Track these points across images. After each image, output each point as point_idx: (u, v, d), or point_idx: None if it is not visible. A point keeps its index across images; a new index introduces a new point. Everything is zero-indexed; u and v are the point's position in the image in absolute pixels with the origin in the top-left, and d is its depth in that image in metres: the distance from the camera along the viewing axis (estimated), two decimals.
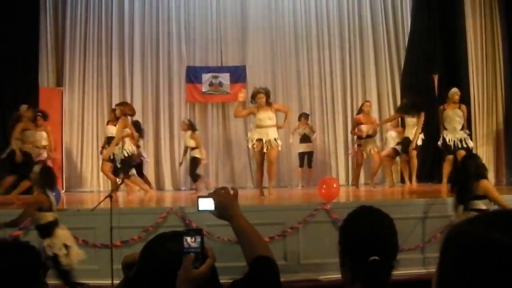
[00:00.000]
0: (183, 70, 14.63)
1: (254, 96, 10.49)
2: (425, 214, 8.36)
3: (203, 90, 14.49)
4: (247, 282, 2.12)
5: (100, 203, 7.76)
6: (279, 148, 10.61)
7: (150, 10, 14.83)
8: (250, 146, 10.58)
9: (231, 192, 2.42)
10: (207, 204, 2.37)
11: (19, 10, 13.22)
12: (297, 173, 13.93)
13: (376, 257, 2.18)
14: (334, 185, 8.77)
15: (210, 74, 14.57)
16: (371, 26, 14.92)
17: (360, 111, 12.34)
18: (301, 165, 13.69)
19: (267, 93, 10.50)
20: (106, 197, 7.64)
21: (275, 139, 10.34)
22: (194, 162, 12.61)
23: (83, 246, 8.14)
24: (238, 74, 14.63)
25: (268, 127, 10.34)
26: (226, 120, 14.71)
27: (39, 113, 11.90)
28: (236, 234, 2.34)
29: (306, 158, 13.62)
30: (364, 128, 12.03)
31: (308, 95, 14.73)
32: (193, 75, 14.53)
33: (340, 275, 2.36)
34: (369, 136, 12.09)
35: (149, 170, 14.16)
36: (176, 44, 14.76)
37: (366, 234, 2.28)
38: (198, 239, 1.95)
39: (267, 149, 10.27)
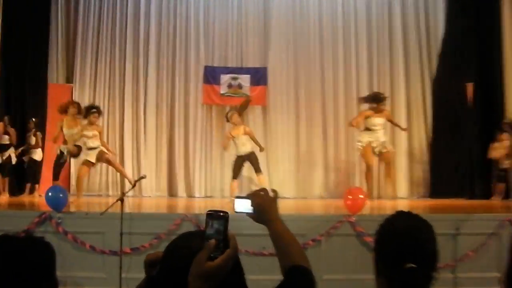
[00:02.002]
0: (200, 70, 14.60)
1: (377, 100, 11.22)
2: (456, 231, 8.29)
3: (221, 92, 14.45)
4: None
5: (110, 206, 7.74)
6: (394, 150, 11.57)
7: (167, 5, 14.84)
8: (360, 146, 11.55)
9: (271, 194, 2.37)
10: (244, 205, 2.32)
11: (29, 2, 13.35)
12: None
13: (413, 265, 2.15)
14: (360, 196, 8.72)
15: (229, 75, 14.53)
16: (401, 28, 14.79)
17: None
18: None
19: (385, 100, 11.63)
20: (116, 201, 7.64)
21: (384, 142, 11.37)
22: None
23: (90, 252, 8.17)
24: (259, 76, 14.57)
25: (379, 131, 11.33)
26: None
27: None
28: (272, 240, 2.28)
29: None
30: None
31: (333, 100, 14.63)
32: (211, 75, 14.50)
33: None
34: None
35: (161, 175, 14.22)
36: (194, 42, 14.75)
37: (403, 240, 2.25)
38: (219, 224, 1.83)
39: (379, 152, 11.25)
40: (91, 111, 11.90)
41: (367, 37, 14.83)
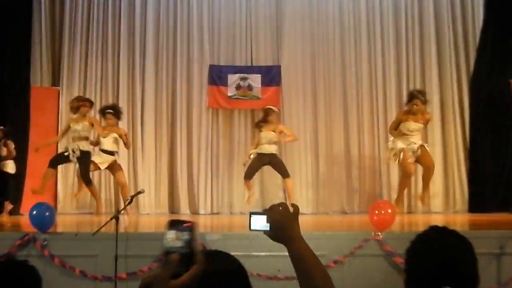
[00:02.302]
0: (205, 70, 14.60)
1: (410, 99, 11.39)
2: (501, 250, 8.22)
3: (229, 94, 14.44)
4: None
5: (103, 225, 7.74)
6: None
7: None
8: (392, 156, 11.68)
9: (291, 209, 2.36)
10: (260, 222, 2.32)
11: None
12: None
13: None
14: (389, 211, 8.68)
15: (237, 75, 14.51)
16: (434, 17, 14.68)
17: None
18: None
19: (424, 100, 11.52)
20: (110, 219, 7.63)
21: (422, 145, 11.46)
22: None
23: (80, 278, 8.17)
24: (271, 76, 14.55)
25: (414, 136, 11.42)
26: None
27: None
28: (292, 262, 2.28)
29: None
30: None
31: (356, 101, 14.58)
32: (217, 75, 14.50)
33: None
34: None
35: (162, 190, 14.24)
36: (197, 37, 14.73)
37: (438, 259, 2.24)
38: (186, 235, 1.83)
39: (419, 156, 11.39)
40: (105, 111, 12.23)
41: (394, 31, 14.74)
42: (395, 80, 14.60)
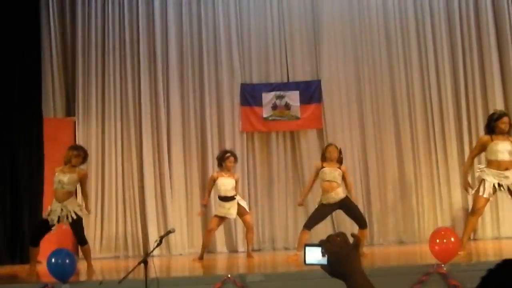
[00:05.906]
0: (236, 89, 14.64)
1: (497, 119, 10.51)
2: None
3: (264, 115, 14.43)
4: None
5: (130, 271, 7.73)
6: None
7: (188, 12, 14.89)
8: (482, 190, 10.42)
9: (351, 240, 2.36)
10: (316, 255, 2.35)
11: (14, 21, 13.49)
12: None
13: None
14: (452, 239, 8.57)
15: (273, 93, 14.50)
16: (493, 19, 14.48)
17: None
18: None
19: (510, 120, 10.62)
20: (139, 263, 7.62)
21: None
22: None
23: None
24: (310, 92, 14.53)
25: (508, 163, 10.33)
26: (298, 156, 14.49)
27: None
28: None
29: None
30: None
31: (408, 117, 14.44)
32: (250, 95, 14.52)
33: None
34: None
35: (194, 227, 14.22)
36: (225, 54, 14.78)
37: None
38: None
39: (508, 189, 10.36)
40: (225, 156, 12.22)
41: (447, 34, 14.60)
42: (451, 93, 14.39)
